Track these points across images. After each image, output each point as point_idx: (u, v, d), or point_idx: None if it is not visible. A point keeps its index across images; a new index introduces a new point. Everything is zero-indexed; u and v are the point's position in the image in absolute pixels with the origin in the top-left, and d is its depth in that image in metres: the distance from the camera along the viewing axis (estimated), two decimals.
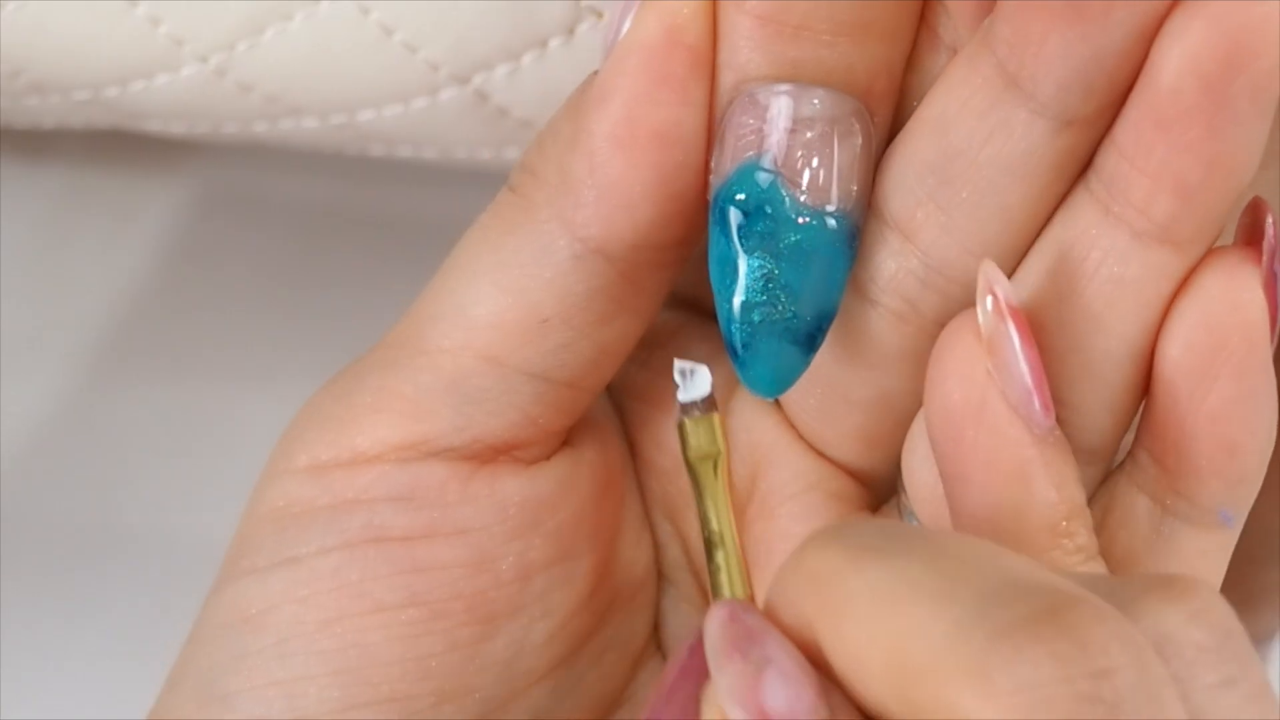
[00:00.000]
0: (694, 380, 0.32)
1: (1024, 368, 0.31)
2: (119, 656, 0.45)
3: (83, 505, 0.47)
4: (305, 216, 0.50)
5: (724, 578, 0.31)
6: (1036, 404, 0.31)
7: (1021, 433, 0.31)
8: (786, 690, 0.27)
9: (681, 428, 0.31)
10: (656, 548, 0.37)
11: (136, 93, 0.43)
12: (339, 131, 0.43)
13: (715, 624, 0.28)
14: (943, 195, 0.33)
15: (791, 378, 0.33)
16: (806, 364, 0.33)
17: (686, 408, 0.31)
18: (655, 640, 0.37)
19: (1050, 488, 0.31)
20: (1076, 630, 0.26)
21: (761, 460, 0.36)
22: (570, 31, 0.40)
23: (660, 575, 0.37)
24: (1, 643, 0.45)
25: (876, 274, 0.33)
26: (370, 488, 0.34)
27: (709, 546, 0.31)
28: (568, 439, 0.35)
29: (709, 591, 0.31)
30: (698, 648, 0.29)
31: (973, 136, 0.32)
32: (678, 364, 0.32)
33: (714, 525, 0.31)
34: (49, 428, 0.47)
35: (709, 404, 0.31)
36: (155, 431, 0.47)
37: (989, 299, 0.31)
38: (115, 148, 0.50)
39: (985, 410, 0.32)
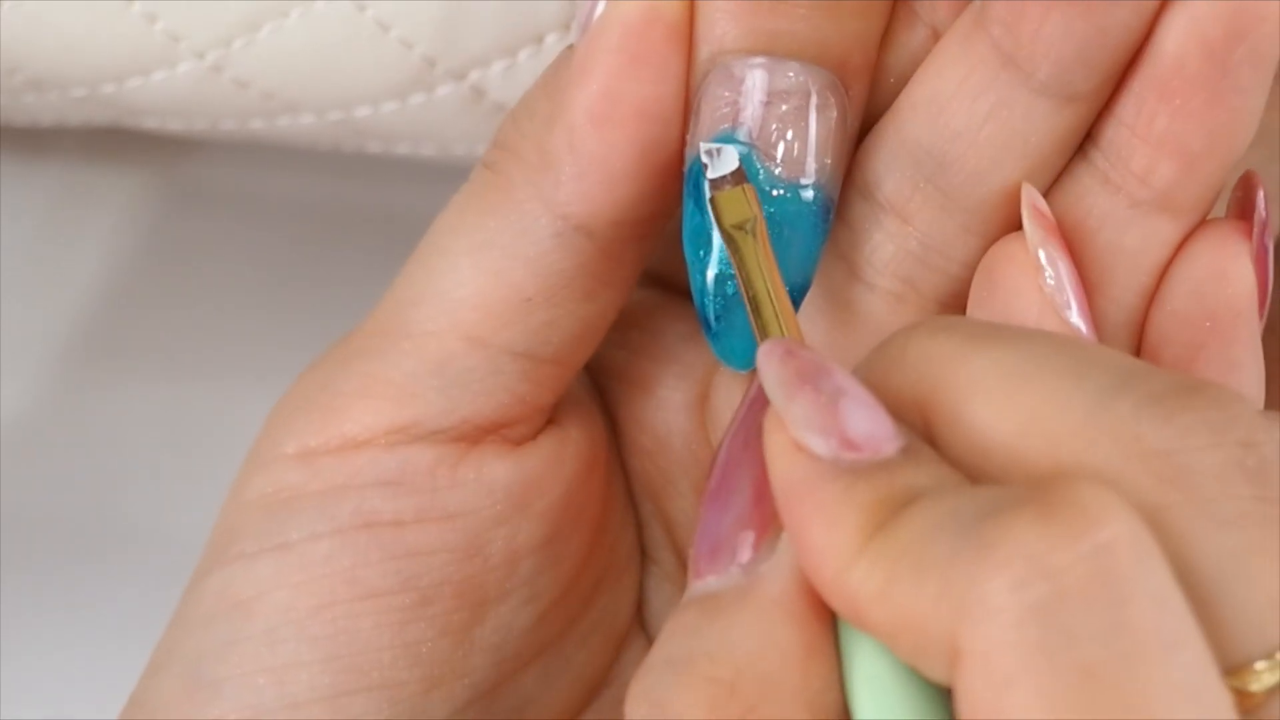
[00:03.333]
0: (721, 158, 0.32)
1: (1066, 279, 0.32)
2: (114, 652, 0.45)
3: (78, 501, 0.47)
4: (303, 213, 0.50)
5: (775, 329, 0.30)
6: (1077, 312, 0.32)
7: None
8: (866, 416, 0.27)
9: (714, 202, 0.31)
10: (640, 527, 0.37)
11: (133, 89, 0.43)
12: (336, 128, 0.43)
13: (773, 360, 0.28)
14: (941, 177, 0.33)
15: None
16: None
17: (716, 183, 0.32)
18: (639, 620, 0.37)
19: None
20: (1222, 402, 0.26)
21: None
22: (566, 27, 0.40)
23: (643, 554, 0.37)
24: None
25: (873, 257, 0.33)
26: (360, 473, 0.34)
27: (756, 305, 0.31)
28: (553, 418, 0.35)
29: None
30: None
31: (971, 117, 0.32)
32: (703, 146, 0.32)
33: (759, 285, 0.31)
34: (45, 424, 0.47)
35: (738, 176, 0.32)
36: (150, 427, 0.47)
37: (1035, 219, 0.32)
38: (113, 145, 0.50)
39: (1042, 324, 0.32)
